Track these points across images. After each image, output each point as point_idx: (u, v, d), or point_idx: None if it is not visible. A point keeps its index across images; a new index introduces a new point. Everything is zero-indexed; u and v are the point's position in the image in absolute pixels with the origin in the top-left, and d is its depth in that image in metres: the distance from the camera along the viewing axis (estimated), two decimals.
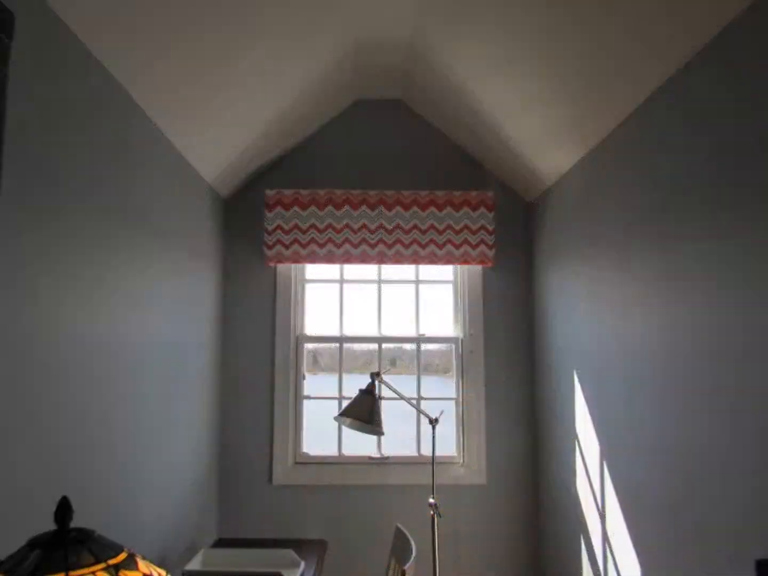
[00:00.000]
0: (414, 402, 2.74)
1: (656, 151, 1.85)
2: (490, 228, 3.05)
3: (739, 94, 1.44)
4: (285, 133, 2.92)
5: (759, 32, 1.37)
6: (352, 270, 3.23)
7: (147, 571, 0.78)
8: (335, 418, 2.56)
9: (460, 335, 3.18)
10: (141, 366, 2.00)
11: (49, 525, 0.82)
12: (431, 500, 2.44)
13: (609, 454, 2.18)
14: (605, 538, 2.20)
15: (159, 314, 2.17)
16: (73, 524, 0.80)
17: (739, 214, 1.44)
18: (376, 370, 2.60)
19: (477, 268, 3.16)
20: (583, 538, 2.42)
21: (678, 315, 1.71)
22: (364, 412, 2.43)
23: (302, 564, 2.34)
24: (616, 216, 2.14)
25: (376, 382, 2.52)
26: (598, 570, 2.26)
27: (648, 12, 1.56)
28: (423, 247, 3.03)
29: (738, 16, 1.43)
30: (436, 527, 2.41)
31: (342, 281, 3.22)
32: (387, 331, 3.20)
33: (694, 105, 1.63)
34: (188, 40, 1.82)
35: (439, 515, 2.41)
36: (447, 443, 3.05)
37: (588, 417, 2.37)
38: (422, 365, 3.21)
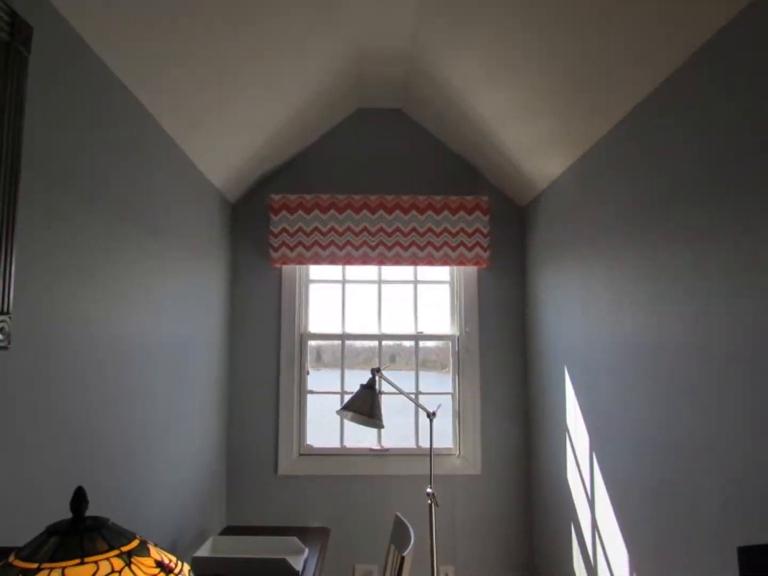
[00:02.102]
0: (412, 396, 2.74)
1: (646, 155, 1.85)
2: (485, 231, 3.06)
3: (728, 100, 1.44)
4: (290, 140, 2.93)
5: (749, 40, 1.37)
6: (354, 271, 3.23)
7: (158, 558, 0.78)
8: (337, 412, 2.56)
9: (457, 333, 3.18)
10: (152, 363, 2.00)
11: (65, 514, 0.82)
12: (429, 490, 2.44)
13: (598, 446, 2.18)
14: (594, 526, 2.21)
15: (169, 314, 2.17)
16: (88, 513, 0.81)
17: (723, 214, 1.44)
18: (376, 366, 2.60)
19: (473, 269, 3.16)
20: (573, 525, 2.42)
21: (664, 313, 1.71)
22: (365, 406, 2.44)
23: (306, 551, 2.34)
24: (606, 218, 2.14)
25: (377, 378, 2.52)
26: (588, 555, 2.26)
27: (639, 20, 1.56)
28: (421, 249, 3.04)
29: (728, 24, 1.43)
30: (433, 515, 2.41)
31: (344, 281, 3.22)
32: (387, 329, 3.20)
33: (685, 110, 1.63)
34: (196, 51, 1.82)
35: (437, 504, 2.42)
36: (444, 436, 3.05)
37: (578, 410, 2.37)
38: (420, 361, 3.22)
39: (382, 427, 2.52)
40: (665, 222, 1.70)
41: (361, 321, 3.23)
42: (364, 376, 2.54)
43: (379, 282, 3.22)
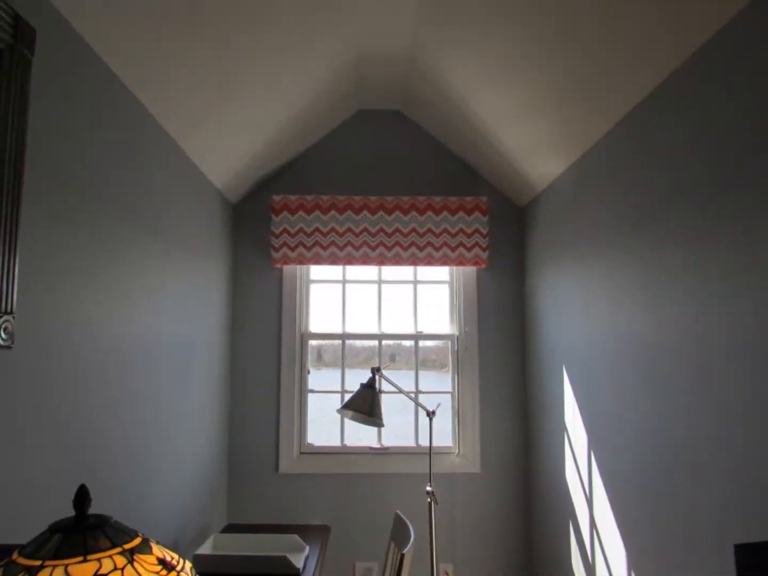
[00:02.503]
0: (412, 395, 2.74)
1: (646, 156, 1.85)
2: (484, 231, 3.06)
3: (728, 100, 1.44)
4: (291, 141, 2.92)
5: (749, 40, 1.37)
6: (354, 271, 3.23)
7: (160, 555, 0.78)
8: (338, 411, 2.56)
9: (456, 332, 3.18)
10: (153, 363, 2.00)
11: (68, 512, 0.82)
12: (428, 488, 2.44)
13: (596, 445, 2.18)
14: (592, 524, 2.20)
15: (171, 314, 2.17)
16: (91, 511, 0.80)
17: (723, 214, 1.44)
18: (376, 365, 2.61)
19: (472, 269, 3.16)
20: (572, 523, 2.42)
21: (664, 313, 1.71)
22: (365, 405, 2.44)
23: (306, 548, 2.34)
24: (605, 219, 2.14)
25: (377, 377, 2.52)
26: (586, 553, 2.26)
27: (639, 20, 1.56)
28: (421, 249, 3.04)
29: (728, 23, 1.43)
30: (433, 513, 2.41)
31: (344, 281, 3.22)
32: (387, 329, 3.20)
33: (685, 110, 1.63)
34: (197, 51, 1.82)
35: (436, 502, 2.42)
36: (443, 434, 3.05)
37: (576, 409, 2.37)
38: (420, 361, 3.21)
39: (382, 425, 2.52)
40: (665, 222, 1.70)
41: (362, 321, 3.23)
42: (365, 375, 2.54)
43: (379, 282, 3.22)
